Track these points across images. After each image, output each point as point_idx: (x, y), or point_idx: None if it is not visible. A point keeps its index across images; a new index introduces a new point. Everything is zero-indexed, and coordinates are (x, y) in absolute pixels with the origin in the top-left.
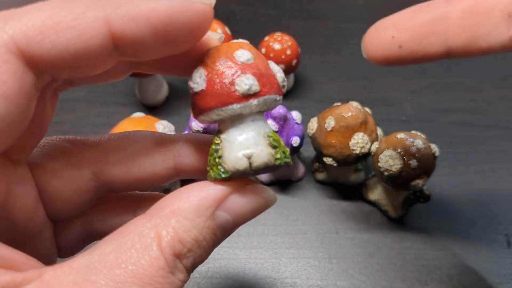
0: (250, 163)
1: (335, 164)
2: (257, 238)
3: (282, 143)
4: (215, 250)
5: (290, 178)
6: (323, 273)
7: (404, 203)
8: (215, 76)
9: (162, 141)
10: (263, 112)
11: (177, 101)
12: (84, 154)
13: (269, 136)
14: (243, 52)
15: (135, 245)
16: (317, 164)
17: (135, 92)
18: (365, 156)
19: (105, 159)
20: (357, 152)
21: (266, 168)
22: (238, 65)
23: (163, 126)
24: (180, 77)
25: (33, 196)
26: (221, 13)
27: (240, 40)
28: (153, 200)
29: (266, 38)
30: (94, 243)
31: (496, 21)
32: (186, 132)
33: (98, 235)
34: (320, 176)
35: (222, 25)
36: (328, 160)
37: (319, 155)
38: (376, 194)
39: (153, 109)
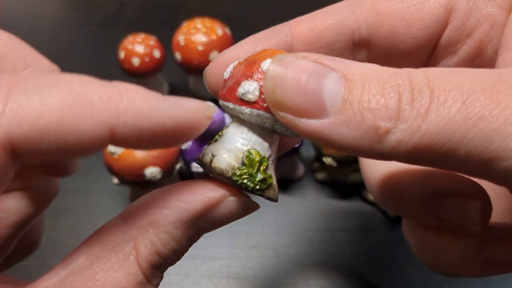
0: (211, 162)
1: (335, 164)
2: (257, 238)
3: (261, 169)
4: (215, 249)
5: (290, 178)
6: (323, 272)
7: None
8: (236, 72)
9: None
10: (272, 131)
11: None
12: None
13: (249, 154)
14: (269, 61)
15: (112, 259)
16: (316, 164)
17: None
18: None
19: None
20: None
21: (221, 175)
22: (256, 71)
23: None
24: None
25: None
26: (221, 13)
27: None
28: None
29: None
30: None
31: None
32: None
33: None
34: (320, 176)
35: (222, 25)
36: (327, 160)
37: (319, 155)
38: None
39: None
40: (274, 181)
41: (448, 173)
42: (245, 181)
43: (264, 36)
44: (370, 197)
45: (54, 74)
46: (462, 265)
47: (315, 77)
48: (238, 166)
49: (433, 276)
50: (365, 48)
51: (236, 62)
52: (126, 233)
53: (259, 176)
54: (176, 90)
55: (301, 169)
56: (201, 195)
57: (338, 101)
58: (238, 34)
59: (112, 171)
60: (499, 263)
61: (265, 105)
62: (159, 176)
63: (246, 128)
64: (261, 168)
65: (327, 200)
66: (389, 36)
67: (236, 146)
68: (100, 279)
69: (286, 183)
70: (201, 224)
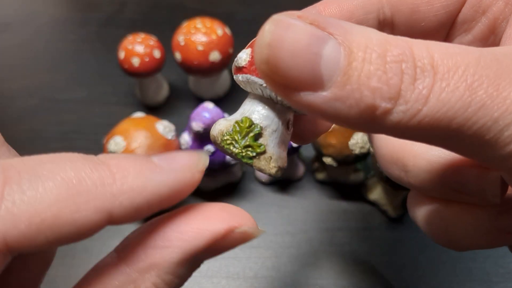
0: (211, 130)
1: (335, 164)
2: (257, 238)
3: (250, 135)
4: None
5: (290, 178)
6: (323, 272)
7: (404, 202)
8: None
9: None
10: (271, 100)
11: (178, 101)
12: None
13: (240, 122)
14: None
15: None
16: (316, 164)
17: (135, 92)
18: (365, 156)
19: None
20: (357, 152)
21: (215, 142)
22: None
23: (163, 126)
24: None
25: None
26: (221, 13)
27: None
28: None
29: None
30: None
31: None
32: (186, 132)
33: None
34: (320, 176)
35: (222, 25)
36: (327, 160)
37: (319, 155)
38: (376, 194)
39: (154, 109)
40: (269, 152)
41: None
42: (229, 146)
43: None
44: (370, 197)
45: (46, 161)
46: (475, 237)
47: (312, 45)
48: (227, 131)
49: (434, 275)
50: (389, 27)
51: None
52: (124, 275)
53: (244, 142)
54: (176, 90)
55: (301, 169)
56: (205, 230)
57: (335, 74)
58: (238, 34)
59: None
60: None
61: (252, 68)
62: None
63: (249, 99)
64: (250, 135)
65: (327, 200)
66: (411, 14)
67: (235, 116)
68: None
69: (286, 183)
70: (203, 255)
